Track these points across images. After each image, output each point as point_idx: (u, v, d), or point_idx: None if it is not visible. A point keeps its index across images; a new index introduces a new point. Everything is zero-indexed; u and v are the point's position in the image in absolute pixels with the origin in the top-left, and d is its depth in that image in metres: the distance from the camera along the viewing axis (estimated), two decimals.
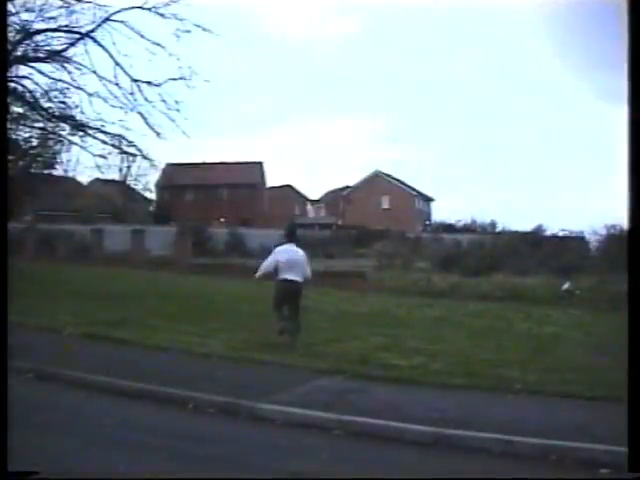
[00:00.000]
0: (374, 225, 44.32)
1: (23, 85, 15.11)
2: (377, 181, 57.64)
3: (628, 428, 3.78)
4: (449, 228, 45.49)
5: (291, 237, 9.34)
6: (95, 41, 14.67)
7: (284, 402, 5.94)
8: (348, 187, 62.75)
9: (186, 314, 11.49)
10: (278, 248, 9.09)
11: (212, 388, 6.36)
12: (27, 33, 14.19)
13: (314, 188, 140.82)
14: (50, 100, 15.22)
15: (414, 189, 59.71)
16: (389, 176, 59.07)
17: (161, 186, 47.48)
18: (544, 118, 79.03)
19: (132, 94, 14.70)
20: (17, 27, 14.03)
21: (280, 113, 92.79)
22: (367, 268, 22.13)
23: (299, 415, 5.67)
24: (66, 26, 14.70)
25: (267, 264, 9.04)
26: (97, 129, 15.06)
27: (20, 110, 15.49)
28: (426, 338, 9.88)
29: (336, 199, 62.38)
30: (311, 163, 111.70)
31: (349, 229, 42.04)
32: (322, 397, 6.20)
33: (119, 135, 15.27)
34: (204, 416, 5.83)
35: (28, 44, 14.40)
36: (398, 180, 59.30)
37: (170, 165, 38.63)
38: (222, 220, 51.39)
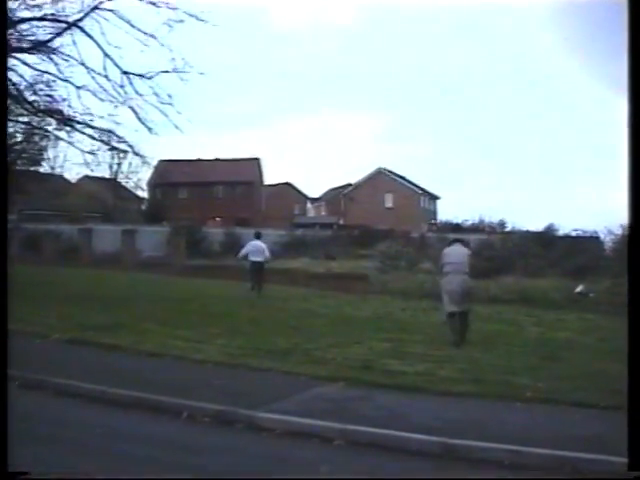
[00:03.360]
0: (377, 225, 44.29)
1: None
2: (380, 179, 57.67)
3: (628, 428, 3.86)
4: (456, 228, 45.44)
5: (258, 237, 17.55)
6: (83, 31, 14.50)
7: (283, 410, 5.94)
8: (350, 185, 62.79)
9: (180, 318, 11.50)
10: (249, 242, 17.28)
11: (207, 396, 6.37)
12: (10, 22, 14.10)
13: (314, 186, 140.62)
14: (35, 93, 15.13)
15: (419, 187, 59.73)
16: (393, 173, 59.08)
17: (153, 184, 47.52)
18: (556, 113, 79.18)
19: (122, 87, 14.61)
20: None
21: (279, 109, 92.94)
22: (370, 270, 22.12)
23: (299, 424, 5.67)
24: (52, 15, 14.54)
25: (243, 252, 17.09)
26: (85, 124, 15.01)
27: None
28: (431, 343, 9.88)
29: (337, 198, 62.37)
30: (311, 160, 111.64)
31: (351, 229, 42.00)
32: (323, 405, 6.20)
33: (109, 130, 15.23)
34: (199, 425, 5.83)
35: (11, 34, 14.26)
36: (402, 177, 59.30)
37: (163, 162, 38.63)
38: (217, 219, 51.41)
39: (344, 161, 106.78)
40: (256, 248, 17.17)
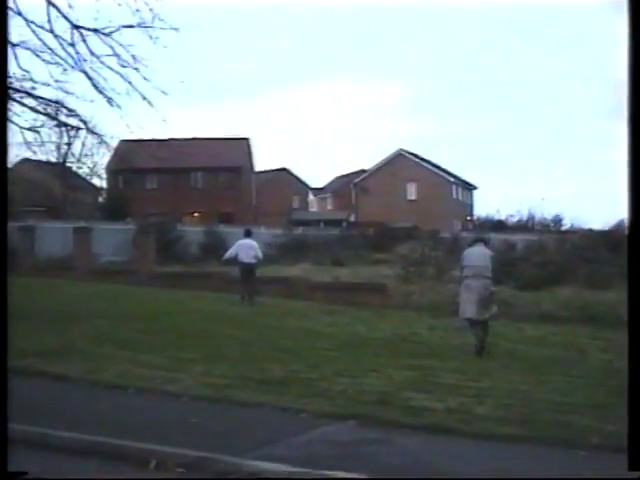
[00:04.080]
0: (397, 222, 44.36)
1: None
2: (401, 164, 57.79)
3: (628, 428, 4.38)
4: (498, 225, 45.53)
5: (248, 235, 19.12)
6: None
7: (278, 457, 5.90)
8: (363, 172, 62.96)
9: (147, 340, 11.52)
10: (238, 242, 18.80)
11: (182, 439, 6.33)
12: None
13: (318, 173, 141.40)
14: None
15: (450, 173, 59.73)
16: (417, 157, 59.13)
17: (114, 170, 47.65)
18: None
19: (73, 45, 14.49)
20: None
21: (273, 77, 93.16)
22: (388, 279, 22.11)
23: (299, 475, 5.63)
24: None
25: (229, 252, 18.78)
26: (25, 92, 14.95)
27: None
28: (467, 372, 9.86)
29: (347, 188, 62.58)
30: (314, 141, 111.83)
31: (364, 227, 42.06)
32: (329, 450, 6.18)
33: (55, 101, 15.17)
34: (171, 477, 5.79)
35: None
36: (429, 162, 59.34)
37: (126, 142, 38.51)
38: (196, 215, 51.65)
39: (355, 142, 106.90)
40: (246, 247, 18.43)
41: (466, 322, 11.82)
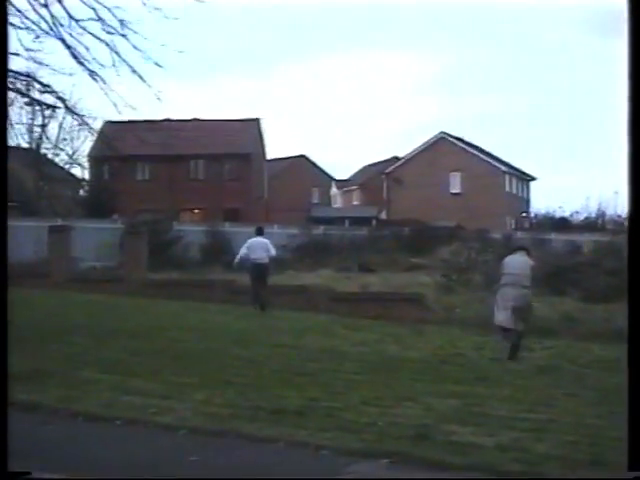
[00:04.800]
0: (438, 220, 44.24)
1: None
2: (442, 150, 57.69)
3: (628, 428, 5.16)
4: (560, 224, 45.28)
5: (259, 233, 20.33)
6: None
7: None
8: (396, 160, 62.92)
9: (137, 362, 11.55)
10: (248, 241, 19.99)
11: None
12: None
13: (342, 161, 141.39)
14: None
15: (502, 161, 59.55)
16: (461, 141, 59.03)
17: (98, 157, 47.89)
18: None
19: (47, 6, 14.40)
20: None
21: (288, 48, 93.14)
22: (426, 288, 22.06)
23: None
24: None
25: (240, 253, 20.00)
26: None
27: None
28: (523, 401, 9.82)
29: (377, 179, 62.57)
30: (337, 123, 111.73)
31: (398, 226, 41.97)
32: None
33: (26, 75, 15.24)
34: None
35: None
36: (476, 148, 59.20)
37: (112, 124, 38.75)
38: (196, 212, 51.83)
39: (387, 124, 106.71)
40: (256, 246, 19.65)
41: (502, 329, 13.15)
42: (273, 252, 20.01)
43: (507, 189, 58.63)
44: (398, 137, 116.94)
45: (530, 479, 6.35)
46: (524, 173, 62.89)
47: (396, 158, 63.33)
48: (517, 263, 13.51)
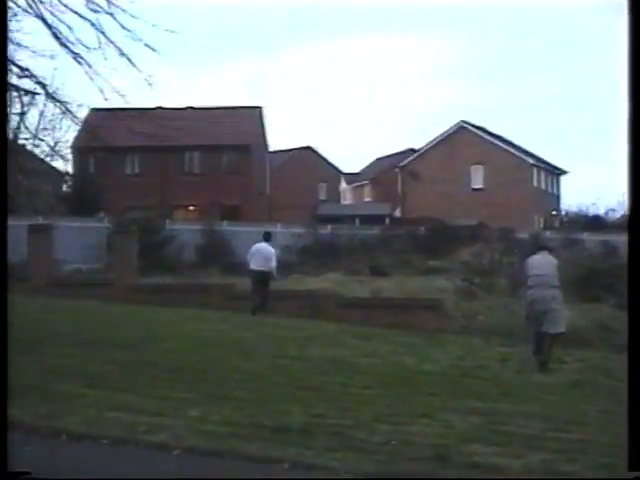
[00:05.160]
0: (458, 218, 44.23)
1: None
2: (463, 141, 57.63)
3: (628, 428, 5.81)
4: (594, 223, 45.15)
5: (267, 239, 20.88)
6: None
7: None
8: (412, 152, 62.90)
9: (127, 374, 11.55)
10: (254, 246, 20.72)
11: None
12: None
13: (352, 154, 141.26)
14: None
15: (530, 153, 59.46)
16: (484, 131, 58.91)
17: (82, 149, 47.91)
18: None
19: None
20: None
21: (291, 30, 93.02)
22: (445, 293, 22.06)
23: None
24: None
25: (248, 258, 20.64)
26: None
27: None
28: (552, 419, 9.80)
29: (391, 173, 62.49)
30: (346, 111, 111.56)
31: (414, 225, 41.99)
32: None
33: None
34: None
35: None
36: (500, 138, 59.11)
37: (98, 112, 38.78)
38: (191, 209, 51.87)
39: (401, 113, 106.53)
40: (259, 254, 20.30)
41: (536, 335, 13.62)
42: (273, 265, 20.43)
43: (535, 184, 58.43)
44: (413, 127, 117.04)
45: (531, 479, 6.74)
46: (554, 166, 62.74)
47: (412, 150, 63.33)
48: (543, 263, 13.98)
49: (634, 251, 6.14)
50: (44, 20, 14.49)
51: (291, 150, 68.27)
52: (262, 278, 20.02)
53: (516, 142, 59.85)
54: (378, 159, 74.18)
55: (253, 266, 20.15)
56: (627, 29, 5.94)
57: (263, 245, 20.66)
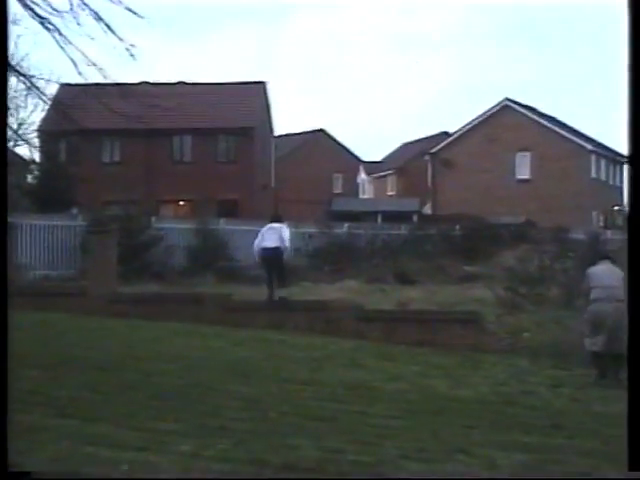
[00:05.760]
0: (500, 214, 44.16)
1: None
2: (507, 122, 57.53)
3: (628, 427, 6.89)
4: None
5: (276, 219, 21.96)
6: None
7: None
8: (445, 136, 62.89)
9: (104, 401, 11.56)
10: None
11: None
12: None
13: (373, 138, 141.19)
14: None
15: (588, 138, 59.20)
16: (532, 111, 58.74)
17: (51, 133, 47.99)
18: None
19: None
20: None
21: None
22: (485, 305, 22.03)
23: None
24: None
25: (255, 244, 21.23)
26: None
27: None
28: (614, 456, 9.70)
29: (419, 161, 62.48)
30: (365, 88, 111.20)
31: (447, 223, 41.94)
32: None
33: None
34: None
35: None
36: (552, 120, 58.95)
37: (70, 88, 38.86)
38: (182, 204, 51.90)
39: (431, 89, 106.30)
40: (270, 230, 21.25)
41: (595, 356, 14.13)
42: (287, 242, 21.14)
43: (594, 174, 58.18)
44: (447, 106, 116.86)
45: (531, 479, 7.21)
46: (616, 152, 62.29)
47: (445, 134, 63.40)
48: (608, 274, 14.28)
49: (634, 251, 6.88)
50: None
51: (301, 134, 68.36)
52: (276, 256, 20.77)
53: (572, 124, 59.69)
54: (405, 145, 74.33)
55: (265, 244, 20.85)
56: (627, 29, 6.52)
57: (274, 225, 21.43)
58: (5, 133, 8.53)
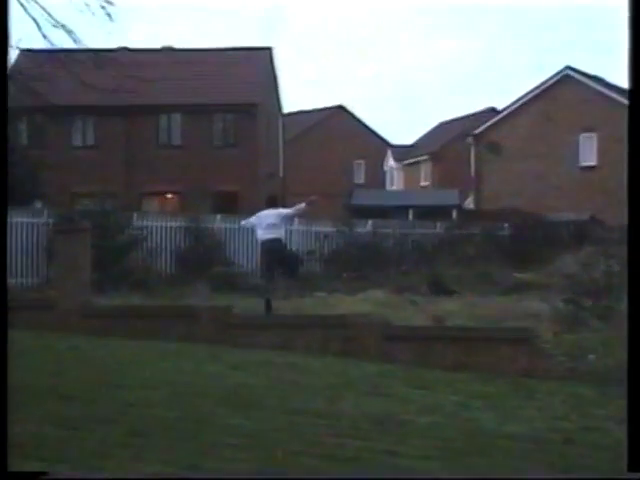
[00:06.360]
0: (558, 210, 44.04)
1: None
2: (567, 96, 57.38)
3: (628, 427, 8.33)
4: None
5: (272, 203, 22.82)
6: None
7: None
8: (493, 113, 62.80)
9: (75, 438, 11.54)
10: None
11: None
12: None
13: (403, 118, 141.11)
14: None
15: None
16: (599, 82, 58.51)
17: (10, 110, 48.02)
18: None
19: None
20: None
21: None
22: (538, 320, 22.01)
23: None
24: None
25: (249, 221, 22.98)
26: None
27: None
28: None
29: (459, 144, 62.32)
30: (392, 56, 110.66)
31: (493, 220, 41.91)
32: None
33: None
34: None
35: None
36: (622, 91, 58.61)
37: (33, 55, 39.06)
38: (170, 197, 51.88)
39: (473, 56, 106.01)
40: (266, 219, 22.16)
41: None
42: (290, 211, 22.97)
43: None
44: (493, 78, 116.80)
45: (531, 479, 7.60)
46: None
47: (492, 111, 63.22)
48: None
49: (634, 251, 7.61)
50: None
51: (315, 111, 68.29)
52: (276, 248, 21.79)
53: None
54: (442, 124, 74.28)
55: (264, 236, 21.81)
56: (627, 29, 7.32)
57: (268, 212, 22.31)
58: (5, 133, 8.73)
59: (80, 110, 49.93)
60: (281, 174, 57.90)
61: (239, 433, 12.24)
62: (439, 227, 40.65)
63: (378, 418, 14.07)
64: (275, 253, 21.72)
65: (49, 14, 14.66)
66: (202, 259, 32.43)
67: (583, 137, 56.43)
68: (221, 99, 52.91)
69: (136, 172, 50.08)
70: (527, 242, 36.29)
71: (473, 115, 66.01)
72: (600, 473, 8.93)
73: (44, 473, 6.57)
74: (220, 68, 53.70)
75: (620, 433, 13.96)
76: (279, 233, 21.79)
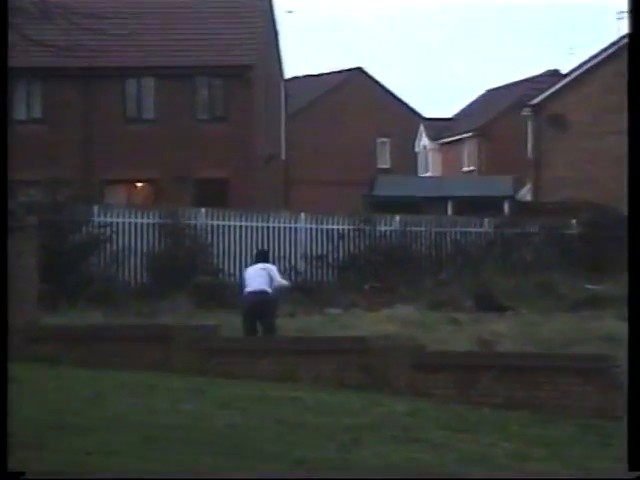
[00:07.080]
0: None
1: None
2: None
3: (628, 427, 10.51)
4: None
5: (262, 258, 25.12)
6: None
7: None
8: (555, 76, 62.73)
9: None
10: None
11: None
12: None
13: (437, 87, 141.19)
14: None
15: None
16: None
17: None
18: None
19: None
20: None
21: None
22: (619, 345, 21.94)
23: None
24: None
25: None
26: None
27: None
28: None
29: (512, 119, 62.33)
30: (421, 8, 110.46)
31: (556, 216, 41.90)
32: None
33: None
34: None
35: None
36: None
37: None
38: (140, 185, 51.98)
39: (528, 5, 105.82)
40: (255, 274, 23.83)
41: None
42: (279, 279, 23.70)
43: None
44: (557, 34, 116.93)
45: (531, 479, 7.89)
46: None
47: (555, 73, 63.18)
48: None
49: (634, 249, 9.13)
50: None
51: (327, 75, 68.30)
52: (263, 302, 22.59)
53: None
54: (489, 92, 74.36)
55: (250, 287, 22.97)
56: (627, 29, 7.66)
57: (258, 267, 23.87)
58: (5, 133, 9.06)
59: (24, 74, 49.75)
60: (283, 156, 57.90)
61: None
62: (487, 225, 40.67)
63: (407, 471, 14.04)
64: (259, 309, 23.10)
65: None
66: (182, 266, 32.45)
67: None
68: (206, 59, 52.69)
69: (96, 154, 50.07)
70: (601, 244, 36.27)
71: (529, 80, 66.00)
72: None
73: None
74: (204, 22, 53.63)
75: None
76: (268, 286, 23.11)
